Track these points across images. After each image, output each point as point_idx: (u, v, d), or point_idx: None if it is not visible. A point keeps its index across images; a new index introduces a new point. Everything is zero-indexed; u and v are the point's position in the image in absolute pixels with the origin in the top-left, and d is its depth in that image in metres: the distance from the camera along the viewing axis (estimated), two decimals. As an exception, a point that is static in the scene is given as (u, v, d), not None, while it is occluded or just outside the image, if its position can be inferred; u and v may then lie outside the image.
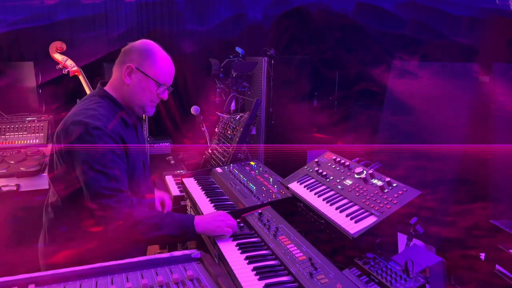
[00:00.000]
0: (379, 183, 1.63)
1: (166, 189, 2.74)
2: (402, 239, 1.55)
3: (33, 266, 1.80)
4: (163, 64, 1.78)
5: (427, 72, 3.30)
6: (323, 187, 1.81)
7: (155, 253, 1.45)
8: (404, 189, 1.54)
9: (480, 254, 2.07)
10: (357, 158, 1.88)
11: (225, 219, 1.72)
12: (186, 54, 4.09)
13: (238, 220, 1.81)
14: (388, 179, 1.62)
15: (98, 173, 1.60)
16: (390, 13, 4.31)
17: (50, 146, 1.98)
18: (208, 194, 2.22)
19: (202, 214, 1.98)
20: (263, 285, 1.32)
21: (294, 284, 1.33)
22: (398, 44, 4.15)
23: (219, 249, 1.60)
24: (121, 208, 1.62)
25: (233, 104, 3.63)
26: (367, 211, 1.53)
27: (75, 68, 3.19)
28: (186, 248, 1.87)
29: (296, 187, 1.91)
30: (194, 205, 2.16)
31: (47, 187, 2.64)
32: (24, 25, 3.78)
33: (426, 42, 3.91)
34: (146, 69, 1.74)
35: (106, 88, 1.80)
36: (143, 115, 3.28)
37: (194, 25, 4.26)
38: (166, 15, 4.16)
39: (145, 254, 1.67)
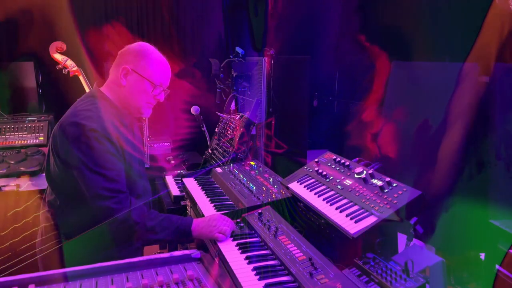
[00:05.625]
0: (379, 183, 1.63)
1: (166, 189, 2.74)
2: (402, 239, 1.55)
3: (33, 266, 1.80)
4: (158, 65, 1.79)
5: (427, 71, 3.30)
6: (323, 187, 1.81)
7: (155, 253, 1.45)
8: (404, 189, 1.54)
9: (480, 254, 2.07)
10: (357, 158, 1.88)
11: (219, 224, 1.69)
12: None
13: (238, 220, 1.81)
14: (388, 179, 1.62)
15: (97, 175, 1.60)
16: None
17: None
18: (208, 194, 2.22)
19: (202, 214, 1.98)
20: (263, 285, 1.32)
21: (294, 284, 1.33)
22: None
23: (219, 249, 1.60)
24: (120, 209, 1.63)
25: (233, 104, 3.63)
26: (367, 211, 1.53)
27: (75, 68, 3.19)
28: (186, 248, 1.87)
29: (296, 187, 1.91)
30: (194, 205, 2.16)
31: (47, 187, 2.64)
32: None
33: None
34: (142, 70, 1.75)
35: (102, 89, 1.81)
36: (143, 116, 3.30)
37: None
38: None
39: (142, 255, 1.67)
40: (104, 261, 1.35)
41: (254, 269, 1.42)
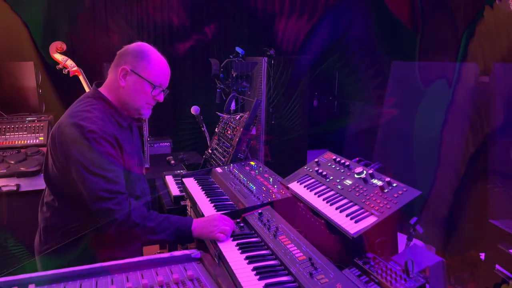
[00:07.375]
0: (379, 183, 1.63)
1: (166, 189, 2.74)
2: (402, 239, 1.55)
3: (33, 266, 1.80)
4: (158, 65, 1.77)
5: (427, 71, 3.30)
6: (323, 187, 1.81)
7: (155, 253, 1.45)
8: (404, 189, 1.54)
9: (480, 254, 2.07)
10: (357, 158, 1.88)
11: (219, 224, 1.69)
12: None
13: (238, 220, 1.81)
14: (388, 179, 1.62)
15: (96, 176, 1.60)
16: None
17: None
18: (208, 194, 2.22)
19: (202, 214, 1.98)
20: (263, 285, 1.32)
21: (294, 284, 1.33)
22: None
23: (219, 249, 1.60)
24: (120, 211, 1.62)
25: (233, 104, 3.63)
26: (367, 211, 1.53)
27: (75, 68, 3.19)
28: (186, 248, 1.87)
29: (296, 187, 1.91)
30: (194, 205, 2.16)
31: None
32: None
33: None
34: (141, 71, 1.74)
35: (101, 89, 1.80)
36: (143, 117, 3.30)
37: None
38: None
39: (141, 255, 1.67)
40: (104, 261, 1.34)
41: (254, 269, 1.42)
